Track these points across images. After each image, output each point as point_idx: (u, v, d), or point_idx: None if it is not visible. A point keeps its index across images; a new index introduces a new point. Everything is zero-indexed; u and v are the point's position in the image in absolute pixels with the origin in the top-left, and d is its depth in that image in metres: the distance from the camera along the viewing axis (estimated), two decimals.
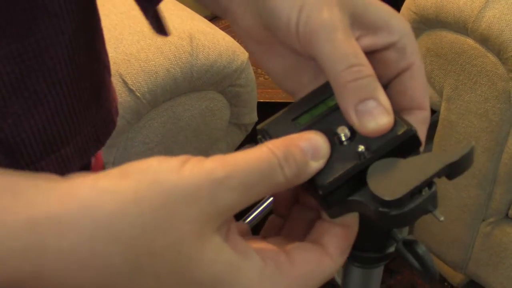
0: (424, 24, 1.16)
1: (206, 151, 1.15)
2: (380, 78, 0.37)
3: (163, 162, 0.31)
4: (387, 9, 0.39)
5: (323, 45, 0.36)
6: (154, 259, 0.29)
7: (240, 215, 0.78)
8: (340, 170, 0.33)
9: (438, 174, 0.33)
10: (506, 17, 1.04)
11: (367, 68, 0.36)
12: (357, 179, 0.33)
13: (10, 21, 0.39)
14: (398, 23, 0.39)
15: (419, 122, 0.38)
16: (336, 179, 0.33)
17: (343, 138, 0.34)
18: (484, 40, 1.07)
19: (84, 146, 0.49)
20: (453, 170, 0.33)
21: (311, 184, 0.34)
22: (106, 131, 0.52)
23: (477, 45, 1.09)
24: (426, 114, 0.39)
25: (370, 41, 0.39)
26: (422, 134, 0.38)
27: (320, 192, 0.33)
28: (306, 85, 0.41)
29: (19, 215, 0.28)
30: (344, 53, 0.36)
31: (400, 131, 0.34)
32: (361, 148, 0.33)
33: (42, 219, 0.28)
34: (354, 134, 0.35)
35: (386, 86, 0.39)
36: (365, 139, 0.34)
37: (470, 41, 1.10)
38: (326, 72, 0.36)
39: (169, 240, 0.29)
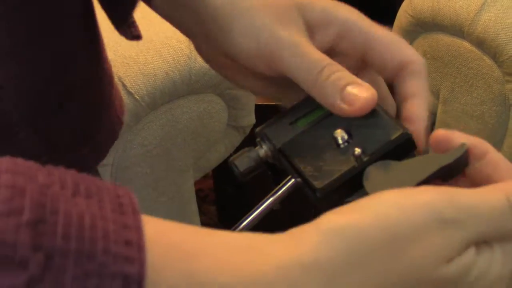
0: (421, 27, 1.17)
1: (204, 153, 1.15)
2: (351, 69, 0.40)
3: (383, 198, 0.30)
4: (329, 3, 0.42)
5: (290, 62, 0.39)
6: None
7: (242, 207, 0.79)
8: (337, 172, 0.34)
9: (433, 177, 0.34)
10: (502, 20, 1.05)
11: (335, 65, 0.38)
12: (354, 181, 0.34)
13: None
14: (341, 13, 0.41)
15: (414, 73, 0.41)
16: (333, 182, 0.34)
17: (340, 141, 0.35)
18: (480, 43, 1.08)
19: (105, 138, 0.52)
20: (447, 173, 0.34)
21: (308, 186, 0.35)
22: (118, 127, 0.55)
23: (473, 48, 1.10)
24: (417, 66, 0.41)
25: (327, 37, 0.41)
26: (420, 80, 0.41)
27: (318, 195, 0.34)
28: (289, 91, 0.43)
29: (270, 264, 0.29)
30: (310, 62, 0.39)
31: (396, 134, 0.35)
32: (358, 151, 0.34)
33: (289, 266, 0.28)
34: (351, 137, 0.35)
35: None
36: (362, 142, 0.35)
37: (466, 44, 1.11)
38: (301, 84, 0.39)
39: (404, 272, 0.29)
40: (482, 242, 0.31)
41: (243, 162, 0.38)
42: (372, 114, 0.36)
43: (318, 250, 0.29)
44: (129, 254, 0.24)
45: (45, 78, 0.44)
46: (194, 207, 1.18)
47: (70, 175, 0.27)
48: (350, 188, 0.34)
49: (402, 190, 0.30)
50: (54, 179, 0.26)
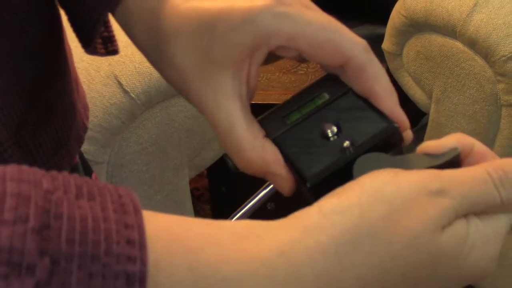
0: (414, 27, 1.18)
1: (199, 151, 1.16)
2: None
3: (377, 176, 0.32)
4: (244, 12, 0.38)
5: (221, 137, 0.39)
6: (396, 261, 0.31)
7: (235, 206, 0.80)
8: (327, 163, 0.35)
9: None
10: (493, 21, 1.06)
11: (262, 148, 0.38)
12: (344, 172, 0.35)
13: None
14: (261, 18, 0.37)
15: (358, 70, 0.38)
16: (323, 171, 0.35)
17: (330, 134, 0.36)
18: (472, 44, 1.09)
19: (74, 142, 0.53)
20: None
21: (300, 177, 0.36)
22: (84, 131, 0.56)
23: (466, 48, 1.11)
24: (357, 61, 0.38)
25: (257, 59, 0.39)
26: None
27: (308, 184, 0.35)
28: None
29: (271, 250, 0.29)
30: (240, 145, 0.38)
31: (383, 127, 0.36)
32: (347, 143, 0.35)
33: (291, 250, 0.30)
34: (340, 130, 0.37)
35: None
36: (351, 135, 0.36)
37: (458, 44, 1.12)
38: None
39: (404, 241, 0.31)
40: (471, 214, 0.33)
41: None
42: (361, 109, 0.38)
43: (321, 232, 0.30)
44: (131, 253, 0.25)
45: (28, 93, 0.45)
46: (189, 204, 1.18)
47: (73, 179, 0.27)
48: (340, 179, 0.35)
49: (394, 170, 0.33)
50: (58, 184, 0.26)
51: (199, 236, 0.29)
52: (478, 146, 0.36)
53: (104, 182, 0.29)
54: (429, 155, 0.35)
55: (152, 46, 0.40)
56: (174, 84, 0.41)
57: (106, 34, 0.49)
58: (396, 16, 1.21)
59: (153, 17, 0.40)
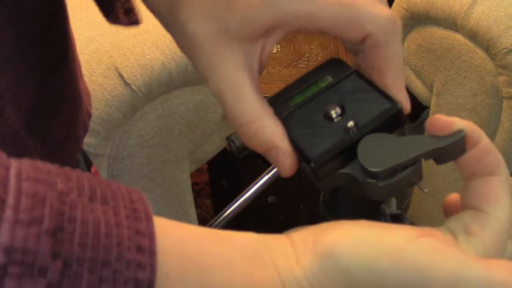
0: (415, 20, 1.18)
1: (200, 144, 1.16)
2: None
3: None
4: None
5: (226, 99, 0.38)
6: None
7: (229, 199, 0.80)
8: (330, 143, 0.35)
9: (424, 156, 0.35)
10: (494, 13, 1.06)
11: (261, 120, 0.38)
12: (347, 153, 0.35)
13: None
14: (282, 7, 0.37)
15: (373, 46, 0.38)
16: (327, 152, 0.35)
17: (334, 116, 0.37)
18: (473, 36, 1.09)
19: (81, 129, 0.54)
20: (441, 155, 0.35)
21: (304, 158, 0.36)
22: (88, 119, 0.57)
23: (466, 41, 1.11)
24: (376, 38, 0.38)
25: (274, 38, 0.39)
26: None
27: (312, 165, 0.35)
28: None
29: (274, 279, 0.31)
30: (240, 114, 0.38)
31: (386, 107, 0.36)
32: (351, 123, 0.35)
33: (291, 285, 0.31)
34: (344, 111, 0.37)
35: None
36: (354, 116, 0.36)
37: (459, 37, 1.12)
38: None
39: None
40: None
41: (240, 137, 0.39)
42: (365, 90, 0.38)
43: (312, 275, 0.31)
44: (141, 260, 0.26)
45: (38, 81, 0.45)
46: (190, 198, 1.18)
47: (87, 180, 0.27)
48: (344, 159, 0.35)
49: (399, 247, 0.31)
50: (72, 186, 0.26)
51: (211, 255, 0.30)
52: (486, 141, 0.35)
53: (116, 183, 0.29)
54: (433, 136, 0.35)
55: (167, 11, 0.40)
56: (184, 50, 0.41)
57: (128, 5, 0.49)
58: (396, 9, 1.21)
59: None
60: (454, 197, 0.39)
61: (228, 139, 0.40)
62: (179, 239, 0.29)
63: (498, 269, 0.30)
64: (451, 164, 0.37)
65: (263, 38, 0.38)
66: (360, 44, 0.38)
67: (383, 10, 0.38)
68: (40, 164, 0.27)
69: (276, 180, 0.94)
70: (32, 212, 0.24)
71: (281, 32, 0.38)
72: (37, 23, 0.44)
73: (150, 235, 0.27)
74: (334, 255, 0.30)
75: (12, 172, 0.25)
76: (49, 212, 0.25)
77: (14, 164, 0.26)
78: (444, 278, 0.30)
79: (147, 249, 0.26)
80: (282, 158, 0.37)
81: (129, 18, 0.49)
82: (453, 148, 0.35)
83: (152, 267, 0.26)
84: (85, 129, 0.55)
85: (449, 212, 0.40)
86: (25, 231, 0.24)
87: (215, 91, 0.38)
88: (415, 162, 0.34)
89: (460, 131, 0.34)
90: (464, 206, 0.36)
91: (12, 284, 0.23)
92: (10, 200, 0.24)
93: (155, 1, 0.42)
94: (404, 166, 0.34)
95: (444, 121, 0.35)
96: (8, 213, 0.24)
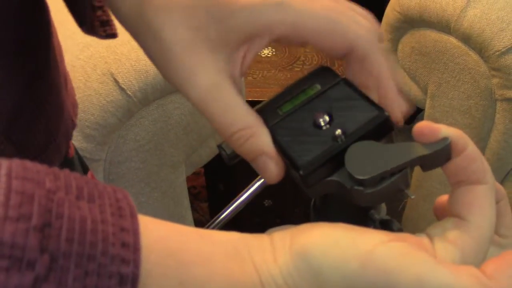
0: (409, 23, 1.19)
1: (196, 149, 1.16)
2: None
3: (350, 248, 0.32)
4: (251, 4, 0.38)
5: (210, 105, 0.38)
6: None
7: (226, 202, 0.80)
8: (319, 151, 0.36)
9: (410, 164, 0.35)
10: (487, 16, 1.07)
11: (249, 129, 0.38)
12: (336, 160, 0.36)
13: None
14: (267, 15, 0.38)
15: (359, 59, 0.38)
16: (315, 159, 0.36)
17: (322, 124, 0.37)
18: (466, 39, 1.10)
19: (63, 138, 0.54)
20: (426, 163, 0.35)
21: (293, 166, 0.36)
22: (72, 128, 0.57)
23: (460, 44, 1.12)
24: (361, 51, 0.38)
25: (257, 46, 0.39)
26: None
27: (301, 172, 0.36)
28: None
29: (252, 276, 0.32)
30: (227, 122, 0.38)
31: (374, 115, 0.37)
32: (338, 131, 0.36)
33: (268, 283, 0.31)
34: (332, 119, 0.37)
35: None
36: (342, 124, 0.37)
37: (453, 40, 1.13)
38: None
39: None
40: None
41: (230, 145, 0.40)
42: (352, 98, 0.38)
43: (288, 274, 0.31)
44: (125, 255, 0.27)
45: (19, 88, 0.45)
46: (186, 202, 1.19)
47: (74, 179, 0.28)
48: (333, 167, 0.36)
49: (373, 254, 0.31)
50: (60, 184, 0.27)
51: (192, 251, 0.30)
52: (472, 149, 0.35)
53: (103, 183, 0.30)
54: (419, 143, 0.35)
55: (137, 17, 0.39)
56: (155, 60, 0.40)
57: (104, 17, 0.49)
58: (390, 12, 1.22)
59: None
60: (445, 198, 0.39)
61: (219, 147, 0.41)
62: (161, 236, 0.30)
63: (465, 276, 0.30)
64: None
65: (244, 46, 0.38)
66: (343, 57, 0.39)
67: (363, 23, 0.39)
68: (29, 164, 0.28)
69: (273, 184, 0.94)
70: (20, 209, 0.25)
71: (263, 41, 0.38)
72: (20, 31, 0.44)
73: (135, 232, 0.28)
74: (307, 256, 0.31)
75: (3, 171, 0.26)
76: (37, 209, 0.25)
77: (4, 163, 0.27)
78: (408, 282, 0.30)
79: (131, 245, 0.27)
80: (270, 165, 0.38)
81: (105, 30, 0.49)
82: (438, 156, 0.35)
83: (135, 262, 0.27)
84: (68, 139, 0.56)
85: (439, 213, 0.40)
86: (14, 226, 0.25)
87: (198, 101, 0.38)
88: (401, 169, 0.35)
89: (445, 139, 0.35)
90: (449, 213, 0.36)
91: (1, 276, 0.24)
92: (0, 197, 0.25)
93: (122, 8, 0.41)
94: (391, 173, 0.34)
95: (430, 128, 0.35)
96: None
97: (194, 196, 1.79)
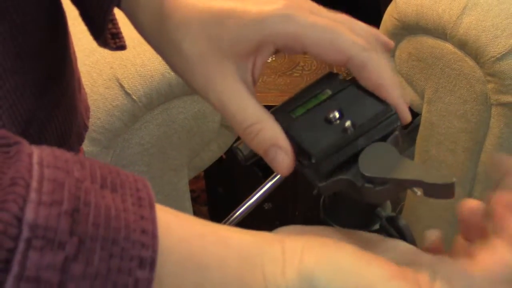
0: (406, 29, 1.20)
1: (198, 152, 1.18)
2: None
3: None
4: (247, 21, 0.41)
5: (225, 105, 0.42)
6: None
7: (232, 207, 0.82)
8: (330, 141, 0.38)
9: (412, 183, 0.36)
10: (482, 23, 1.08)
11: (261, 123, 0.41)
12: (347, 153, 0.38)
13: None
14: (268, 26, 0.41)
15: (356, 67, 0.41)
16: (327, 148, 0.38)
17: (333, 119, 0.40)
18: (462, 45, 1.11)
19: (75, 140, 0.56)
20: (427, 190, 0.36)
21: (306, 157, 0.39)
22: (84, 130, 0.59)
23: (456, 50, 1.13)
24: (355, 61, 0.40)
25: (264, 55, 0.43)
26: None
27: (313, 160, 0.38)
28: None
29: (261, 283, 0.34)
30: (240, 118, 0.42)
31: (381, 109, 0.39)
32: (348, 123, 0.39)
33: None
34: (342, 116, 0.40)
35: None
36: (352, 118, 0.39)
37: (449, 46, 1.14)
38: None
39: None
40: None
41: (247, 146, 0.42)
42: (362, 97, 0.41)
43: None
44: (145, 241, 0.29)
45: (35, 92, 0.47)
46: (188, 204, 1.20)
47: (99, 168, 0.31)
48: (345, 162, 0.38)
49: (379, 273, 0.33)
50: (86, 174, 0.30)
51: (209, 255, 0.33)
52: None
53: (125, 172, 0.32)
54: (427, 168, 0.36)
55: (158, 32, 0.44)
56: (177, 68, 0.44)
57: (114, 30, 0.52)
58: (388, 19, 1.23)
59: (161, 6, 0.43)
60: (473, 204, 0.40)
61: (236, 148, 0.43)
62: (183, 238, 0.33)
63: None
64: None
65: (253, 55, 0.42)
66: (343, 65, 0.42)
67: (362, 33, 0.42)
68: (58, 152, 0.30)
69: (273, 188, 0.97)
70: (53, 195, 0.28)
71: (270, 50, 0.42)
72: (38, 39, 0.47)
73: (153, 220, 0.30)
74: (312, 279, 0.33)
75: (35, 159, 0.29)
76: (67, 195, 0.28)
77: (36, 151, 0.30)
78: None
79: (150, 232, 0.30)
80: (281, 156, 0.41)
81: (115, 42, 0.53)
82: (438, 189, 0.36)
83: (154, 247, 0.29)
84: (80, 141, 0.58)
85: (464, 219, 0.40)
86: (47, 211, 0.27)
87: (216, 103, 0.42)
88: (406, 185, 0.36)
89: (450, 177, 0.35)
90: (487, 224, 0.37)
91: (35, 255, 0.26)
92: (34, 184, 0.28)
93: (146, 24, 0.45)
94: (398, 183, 0.36)
95: (504, 164, 0.37)
96: (33, 195, 0.27)
97: (193, 199, 1.80)
